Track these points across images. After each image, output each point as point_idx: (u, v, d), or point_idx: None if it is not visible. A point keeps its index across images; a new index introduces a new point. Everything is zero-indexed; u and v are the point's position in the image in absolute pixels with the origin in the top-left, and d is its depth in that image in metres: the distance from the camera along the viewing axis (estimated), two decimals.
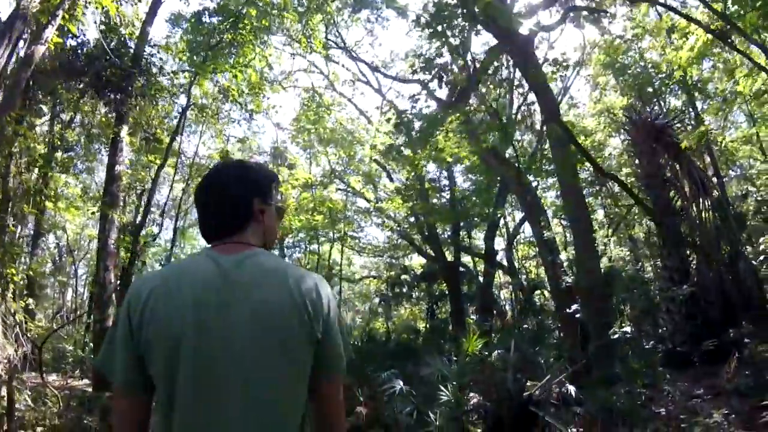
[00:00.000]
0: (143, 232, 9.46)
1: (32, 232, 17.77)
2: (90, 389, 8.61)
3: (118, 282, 9.30)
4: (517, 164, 10.53)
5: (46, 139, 15.72)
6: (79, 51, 9.53)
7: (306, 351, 1.40)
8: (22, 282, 16.72)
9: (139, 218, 10.03)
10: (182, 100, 10.30)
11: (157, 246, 16.69)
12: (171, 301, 1.35)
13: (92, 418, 7.14)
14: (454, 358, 10.34)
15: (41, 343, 7.84)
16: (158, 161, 14.01)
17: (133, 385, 1.38)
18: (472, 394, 8.04)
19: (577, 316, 9.85)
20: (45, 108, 15.67)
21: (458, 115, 9.61)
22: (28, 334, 8.36)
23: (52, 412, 7.05)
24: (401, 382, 7.93)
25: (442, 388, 7.90)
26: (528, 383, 7.58)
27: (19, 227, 18.10)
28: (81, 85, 9.13)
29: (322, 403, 1.48)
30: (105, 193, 10.41)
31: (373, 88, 18.41)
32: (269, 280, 1.41)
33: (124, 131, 10.87)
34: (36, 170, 16.27)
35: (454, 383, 8.36)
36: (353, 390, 9.77)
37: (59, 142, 15.11)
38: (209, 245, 1.54)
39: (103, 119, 11.76)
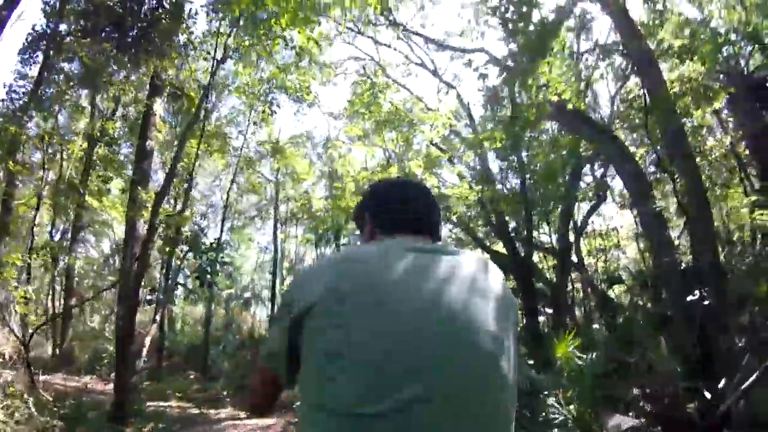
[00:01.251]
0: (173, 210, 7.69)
1: (70, 227, 16.59)
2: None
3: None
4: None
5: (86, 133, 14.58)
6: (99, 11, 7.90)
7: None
8: (59, 278, 15.73)
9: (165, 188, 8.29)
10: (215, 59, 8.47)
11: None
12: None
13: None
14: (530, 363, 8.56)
15: (28, 340, 6.21)
16: (203, 146, 12.50)
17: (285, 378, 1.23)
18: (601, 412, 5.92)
19: (706, 303, 7.72)
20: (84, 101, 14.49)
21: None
22: (29, 329, 6.75)
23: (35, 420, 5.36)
24: None
25: (555, 405, 5.89)
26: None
27: (57, 223, 17.21)
28: (104, 46, 7.42)
29: None
30: (135, 171, 8.83)
31: (428, 70, 16.50)
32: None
33: (158, 104, 9.31)
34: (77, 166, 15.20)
35: (556, 395, 6.38)
36: None
37: (99, 135, 13.82)
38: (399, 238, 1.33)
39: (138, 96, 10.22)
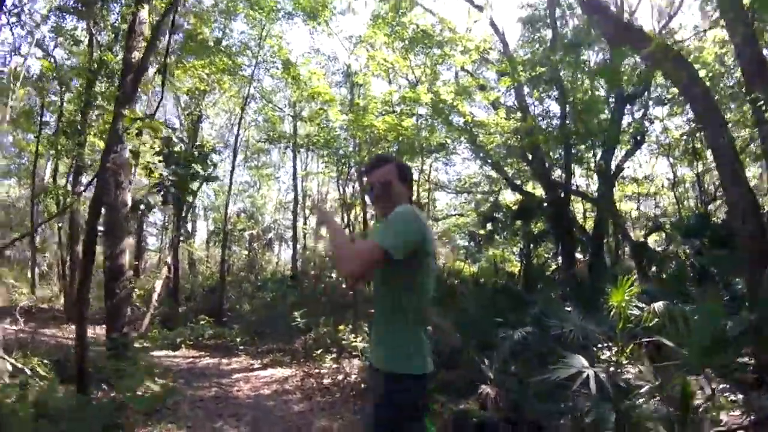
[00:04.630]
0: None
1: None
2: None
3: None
4: None
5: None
6: None
7: None
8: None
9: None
10: None
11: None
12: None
13: None
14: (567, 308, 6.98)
15: None
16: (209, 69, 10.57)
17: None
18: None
19: None
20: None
21: None
22: None
23: None
24: (583, 361, 4.07)
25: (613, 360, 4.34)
26: None
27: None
28: None
29: None
30: (120, 86, 7.03)
31: None
32: None
33: (145, 11, 7.42)
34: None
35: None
36: (468, 353, 6.15)
37: (97, 68, 11.87)
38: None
39: None
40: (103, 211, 7.40)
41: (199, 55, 10.82)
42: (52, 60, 13.04)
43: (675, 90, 13.20)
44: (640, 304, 6.37)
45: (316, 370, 7.65)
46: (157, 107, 6.49)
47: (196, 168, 7.50)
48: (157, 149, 5.84)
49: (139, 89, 7.37)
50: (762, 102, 7.40)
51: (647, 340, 6.04)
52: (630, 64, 12.05)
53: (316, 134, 12.85)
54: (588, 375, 3.75)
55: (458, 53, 11.96)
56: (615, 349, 6.04)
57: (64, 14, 12.87)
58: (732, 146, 8.06)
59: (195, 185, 11.26)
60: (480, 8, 14.02)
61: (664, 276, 10.67)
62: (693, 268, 10.17)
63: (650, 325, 6.24)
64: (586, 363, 3.99)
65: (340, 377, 6.97)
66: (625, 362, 5.64)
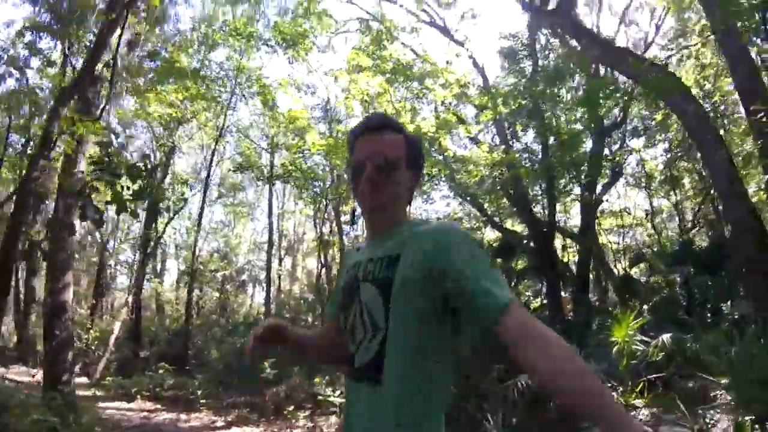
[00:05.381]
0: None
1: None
2: None
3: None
4: None
5: None
6: None
7: None
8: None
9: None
10: None
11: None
12: None
13: None
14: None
15: None
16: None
17: None
18: None
19: None
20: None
21: None
22: None
23: None
24: None
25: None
26: None
27: None
28: None
29: None
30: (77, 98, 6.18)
31: (437, 28, 13.98)
32: None
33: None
34: None
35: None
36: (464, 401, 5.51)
37: (69, 92, 11.12)
38: None
39: None
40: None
41: (176, 80, 10.19)
42: (25, 81, 12.31)
43: (652, 121, 13.21)
44: (645, 338, 6.12)
45: (288, 430, 6.65)
46: (102, 109, 5.69)
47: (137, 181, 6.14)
48: (95, 158, 4.88)
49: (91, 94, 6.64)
50: (762, 114, 7.03)
51: (655, 376, 5.66)
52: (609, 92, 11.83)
53: (292, 164, 12.10)
54: None
55: (438, 87, 11.56)
56: (621, 389, 5.55)
57: (39, 34, 12.28)
58: (730, 160, 7.67)
59: (162, 219, 10.38)
60: (461, 43, 13.81)
61: (647, 307, 10.30)
62: (681, 297, 10.08)
63: (656, 359, 5.86)
64: None
65: None
66: (635, 402, 5.15)
